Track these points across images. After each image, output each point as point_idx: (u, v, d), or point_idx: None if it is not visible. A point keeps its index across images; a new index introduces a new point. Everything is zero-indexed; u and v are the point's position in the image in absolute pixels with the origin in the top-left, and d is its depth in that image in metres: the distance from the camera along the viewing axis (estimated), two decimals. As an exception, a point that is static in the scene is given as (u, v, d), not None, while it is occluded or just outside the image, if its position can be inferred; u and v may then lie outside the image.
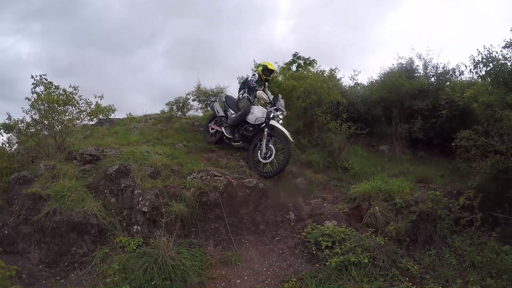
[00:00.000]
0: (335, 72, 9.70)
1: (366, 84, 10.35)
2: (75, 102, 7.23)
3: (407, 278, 4.93)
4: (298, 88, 8.52)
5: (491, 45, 6.36)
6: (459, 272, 5.22)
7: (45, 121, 7.11)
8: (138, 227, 5.64)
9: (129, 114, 10.31)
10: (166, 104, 11.25)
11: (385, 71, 9.70)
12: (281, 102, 7.61)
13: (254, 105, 7.98)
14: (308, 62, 10.94)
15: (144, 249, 5.24)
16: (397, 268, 5.06)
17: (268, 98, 7.89)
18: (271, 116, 7.35)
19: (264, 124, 7.36)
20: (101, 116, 7.93)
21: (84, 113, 7.40)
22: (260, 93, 7.73)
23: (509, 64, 6.28)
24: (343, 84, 10.10)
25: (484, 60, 6.34)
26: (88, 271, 5.18)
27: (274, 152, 7.14)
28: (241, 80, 8.73)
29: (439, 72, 9.07)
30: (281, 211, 6.33)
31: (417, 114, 8.47)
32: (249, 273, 5.32)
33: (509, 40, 6.27)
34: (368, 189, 6.30)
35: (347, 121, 8.12)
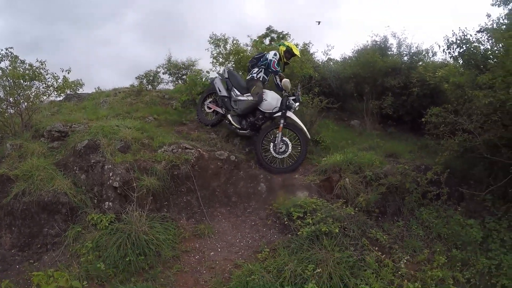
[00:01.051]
0: (308, 46, 9.62)
1: (339, 60, 10.39)
2: (42, 77, 6.94)
3: (376, 248, 5.06)
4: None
5: (466, 27, 6.50)
6: (426, 243, 5.39)
7: (11, 99, 6.79)
8: (110, 203, 5.53)
9: (98, 88, 9.99)
10: (136, 77, 10.98)
11: (359, 48, 9.76)
12: (300, 92, 7.06)
13: (266, 89, 7.15)
14: (281, 36, 10.82)
15: (116, 225, 5.15)
16: (367, 238, 5.18)
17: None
18: (287, 104, 6.79)
19: (280, 114, 6.80)
20: (68, 92, 7.64)
21: (51, 88, 7.12)
22: (286, 82, 6.82)
23: (482, 47, 6.43)
24: (316, 58, 10.06)
25: (458, 41, 6.46)
26: (61, 252, 5.06)
27: (290, 146, 6.68)
28: (254, 56, 7.67)
29: (412, 51, 9.19)
30: (253, 183, 6.33)
31: (388, 91, 8.56)
32: (222, 245, 5.34)
33: (483, 25, 6.42)
34: (339, 161, 6.35)
35: (319, 95, 8.13)
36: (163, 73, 12.17)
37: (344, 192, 5.82)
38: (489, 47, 6.40)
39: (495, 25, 6.33)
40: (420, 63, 8.93)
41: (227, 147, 6.98)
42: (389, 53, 9.45)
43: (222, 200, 6.14)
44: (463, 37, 6.43)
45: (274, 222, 5.60)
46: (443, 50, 6.68)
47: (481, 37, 6.45)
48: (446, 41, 6.58)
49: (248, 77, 7.37)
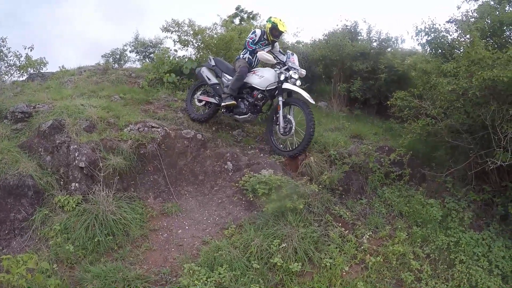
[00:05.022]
0: (278, 27, 9.64)
1: (309, 42, 10.49)
2: (3, 56, 6.65)
3: (340, 224, 5.20)
4: (237, 40, 8.31)
5: (435, 17, 6.69)
6: (388, 220, 5.60)
7: (-29, 80, 6.49)
8: (76, 184, 5.37)
9: (62, 67, 9.68)
10: (102, 56, 10.73)
11: (330, 31, 9.86)
12: (292, 59, 6.42)
13: (259, 67, 6.72)
14: (251, 16, 10.83)
15: (84, 206, 5.03)
16: (330, 214, 5.30)
17: (278, 58, 6.71)
18: (282, 78, 6.22)
19: (277, 91, 6.29)
20: (32, 71, 7.38)
21: (13, 67, 6.84)
22: (261, 54, 6.35)
23: (449, 37, 6.62)
24: (285, 40, 10.13)
25: (427, 30, 6.62)
26: (29, 236, 4.91)
27: (294, 124, 6.16)
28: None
29: (382, 37, 9.32)
30: (219, 162, 6.32)
31: (356, 75, 8.72)
32: (190, 223, 5.34)
33: (452, 16, 6.63)
34: (304, 140, 6.43)
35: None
36: (130, 52, 11.95)
37: (308, 170, 5.92)
38: (456, 37, 6.60)
39: (464, 17, 6.53)
40: (389, 49, 9.12)
41: (194, 126, 6.91)
42: (359, 38, 9.60)
43: (189, 179, 6.11)
44: (431, 25, 6.61)
45: (240, 199, 5.63)
46: (412, 36, 6.87)
47: (450, 27, 6.65)
48: (415, 28, 6.76)
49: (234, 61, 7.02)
